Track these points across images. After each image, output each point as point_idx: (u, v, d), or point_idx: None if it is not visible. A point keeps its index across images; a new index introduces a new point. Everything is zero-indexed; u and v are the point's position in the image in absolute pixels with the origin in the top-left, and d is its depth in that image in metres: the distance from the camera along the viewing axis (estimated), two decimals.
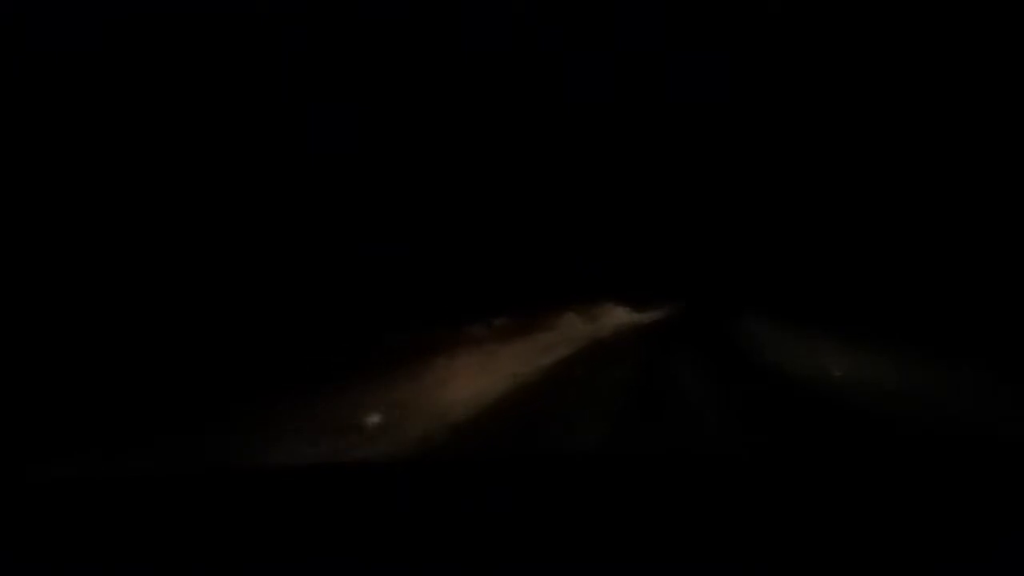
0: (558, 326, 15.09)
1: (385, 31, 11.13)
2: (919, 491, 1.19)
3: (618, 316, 27.09)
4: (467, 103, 13.18)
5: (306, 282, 8.32)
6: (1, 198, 6.10)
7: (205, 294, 6.96)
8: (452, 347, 9.19)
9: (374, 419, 5.75)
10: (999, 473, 1.28)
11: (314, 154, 9.72)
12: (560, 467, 1.55)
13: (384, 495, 1.32)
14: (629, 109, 22.43)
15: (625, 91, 21.41)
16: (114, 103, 7.21)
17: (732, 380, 8.70)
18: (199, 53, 8.00)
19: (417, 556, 0.96)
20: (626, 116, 22.91)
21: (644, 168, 27.98)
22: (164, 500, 1.29)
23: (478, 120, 13.56)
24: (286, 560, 0.96)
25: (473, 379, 8.14)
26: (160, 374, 5.36)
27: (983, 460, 1.41)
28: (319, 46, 9.95)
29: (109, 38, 7.24)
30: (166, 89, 7.67)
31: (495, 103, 14.06)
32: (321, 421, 5.37)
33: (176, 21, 7.82)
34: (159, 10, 7.68)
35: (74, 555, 1.01)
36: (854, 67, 12.39)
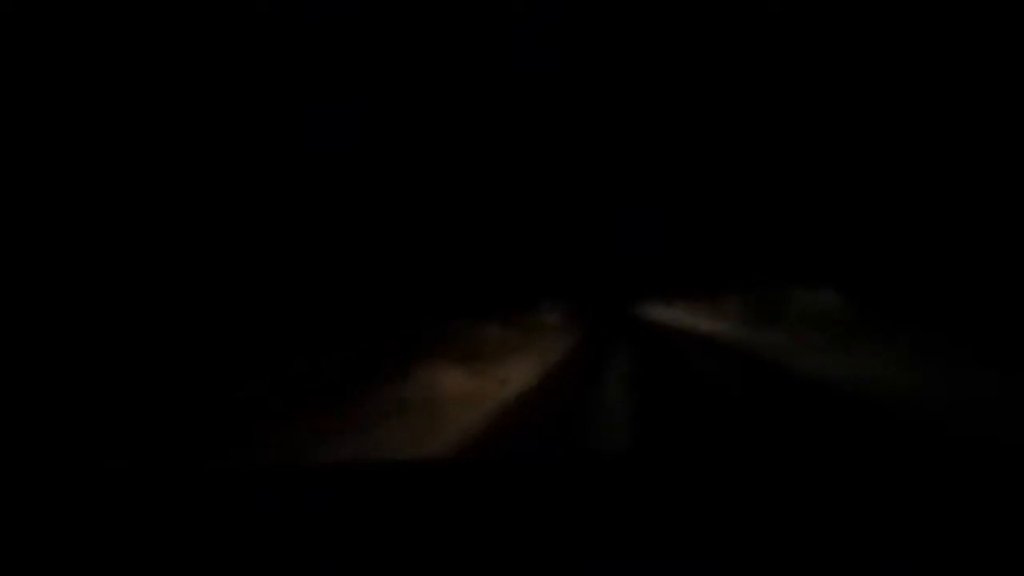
0: (548, 327, 15.14)
1: (385, 31, 11.14)
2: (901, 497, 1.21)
3: (614, 316, 27.03)
4: (467, 103, 13.20)
5: (303, 282, 8.34)
6: (3, 200, 6.12)
7: (202, 295, 6.98)
8: (446, 348, 9.21)
9: (370, 419, 5.77)
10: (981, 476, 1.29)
11: (314, 154, 9.73)
12: (547, 471, 1.58)
13: (379, 496, 1.34)
14: (629, 109, 22.44)
15: (625, 91, 21.42)
16: (113, 103, 7.22)
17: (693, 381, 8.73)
18: (199, 53, 8.01)
19: (412, 557, 0.98)
20: (626, 116, 22.93)
21: (644, 167, 27.98)
22: (163, 500, 1.31)
23: (478, 120, 13.58)
24: (285, 561, 0.97)
25: (463, 381, 8.16)
26: (157, 375, 5.38)
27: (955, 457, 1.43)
28: (319, 46, 9.96)
29: (108, 38, 7.25)
30: (166, 89, 7.68)
31: (495, 103, 14.08)
32: (318, 421, 5.39)
33: (176, 21, 7.83)
34: (159, 10, 7.69)
35: (74, 555, 1.03)
36: (855, 68, 12.39)
